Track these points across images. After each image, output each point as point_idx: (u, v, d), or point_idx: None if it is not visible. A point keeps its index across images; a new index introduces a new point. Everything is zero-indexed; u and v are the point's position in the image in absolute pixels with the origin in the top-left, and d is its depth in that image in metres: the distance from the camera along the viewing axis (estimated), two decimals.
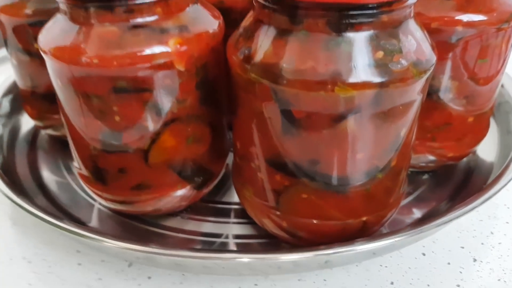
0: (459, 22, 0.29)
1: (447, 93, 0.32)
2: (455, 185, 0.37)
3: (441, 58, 0.31)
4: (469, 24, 0.29)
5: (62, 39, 0.26)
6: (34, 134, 0.45)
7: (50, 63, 0.27)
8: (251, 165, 0.28)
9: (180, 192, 0.31)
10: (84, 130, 0.29)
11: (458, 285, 0.29)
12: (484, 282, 0.29)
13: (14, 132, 0.44)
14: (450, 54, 0.30)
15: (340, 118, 0.23)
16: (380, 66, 0.22)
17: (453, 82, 0.32)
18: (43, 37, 0.28)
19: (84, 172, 0.31)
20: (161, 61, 0.25)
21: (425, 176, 0.38)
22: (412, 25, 0.24)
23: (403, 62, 0.23)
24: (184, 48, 0.26)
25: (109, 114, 0.27)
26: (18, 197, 0.32)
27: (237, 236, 0.32)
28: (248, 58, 0.24)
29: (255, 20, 0.25)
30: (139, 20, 0.26)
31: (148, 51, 0.25)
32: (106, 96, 0.26)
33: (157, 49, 0.25)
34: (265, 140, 0.26)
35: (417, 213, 0.35)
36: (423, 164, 0.37)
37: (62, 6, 0.27)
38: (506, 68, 0.34)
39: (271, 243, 0.32)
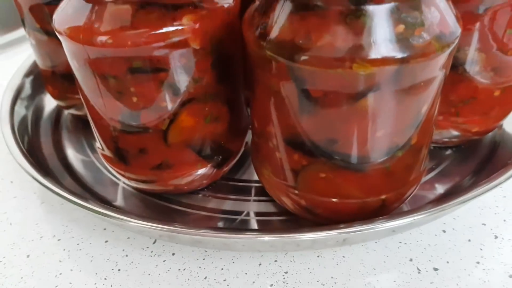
0: None
1: (473, 65, 0.31)
2: (480, 160, 0.37)
3: (467, 29, 0.29)
4: None
5: (76, 19, 0.26)
6: (57, 113, 0.46)
7: (65, 44, 0.27)
8: (269, 144, 0.28)
9: (201, 171, 0.31)
10: (103, 110, 0.29)
11: (478, 262, 0.28)
12: (504, 259, 0.28)
13: (38, 112, 0.45)
14: (477, 25, 0.29)
15: (359, 96, 0.23)
16: (401, 40, 0.21)
17: (480, 54, 0.30)
18: (58, 17, 0.28)
19: (106, 152, 0.32)
20: (176, 39, 0.25)
21: (449, 151, 0.37)
22: None
23: (425, 36, 0.22)
24: (198, 25, 0.26)
25: (127, 95, 0.27)
26: (44, 178, 0.32)
27: (257, 214, 0.33)
28: (264, 35, 0.24)
29: None
30: None
31: (162, 30, 0.25)
32: (123, 77, 0.26)
33: (171, 27, 0.25)
34: (282, 119, 0.26)
35: (440, 189, 0.34)
36: (447, 139, 0.36)
37: None
38: None
39: (291, 220, 0.32)
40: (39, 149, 0.41)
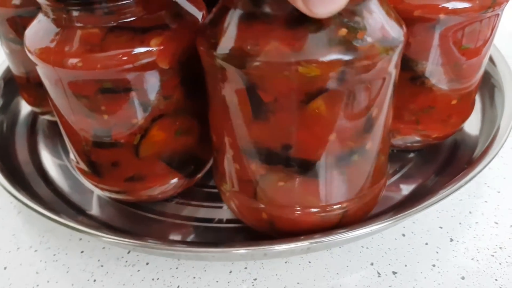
0: (442, 10, 0.29)
1: (430, 78, 0.33)
2: (441, 162, 0.39)
3: (424, 45, 0.31)
4: (452, 12, 0.29)
5: (46, 41, 0.27)
6: (33, 118, 0.46)
7: (36, 63, 0.28)
8: (226, 156, 0.28)
9: (173, 181, 0.32)
10: (75, 127, 0.30)
11: (434, 265, 0.30)
12: (458, 262, 0.31)
13: (13, 116, 0.45)
14: (433, 41, 0.31)
15: (307, 99, 0.23)
16: (344, 43, 0.22)
17: (436, 68, 0.32)
18: (29, 37, 0.28)
19: (80, 165, 0.32)
20: (144, 61, 0.26)
21: (411, 155, 0.39)
22: (376, 2, 0.24)
23: (368, 39, 0.23)
24: (166, 47, 0.27)
25: (98, 113, 0.28)
26: (18, 192, 0.33)
27: (229, 221, 0.34)
28: (214, 44, 0.24)
29: (221, 6, 0.25)
30: (121, 21, 0.26)
31: (131, 52, 0.26)
32: (93, 96, 0.27)
33: (140, 49, 0.26)
34: (238, 128, 0.26)
35: (404, 190, 0.36)
36: (409, 144, 0.38)
37: (44, 8, 0.27)
38: (490, 50, 0.34)
39: None
40: (14, 155, 0.41)
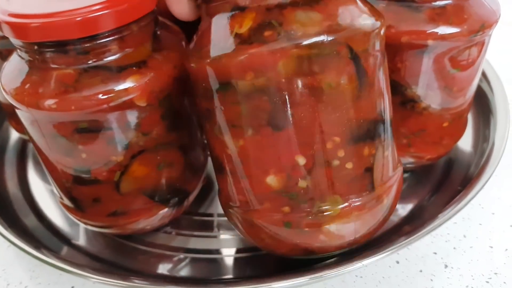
0: (430, 35, 0.28)
1: (420, 102, 0.32)
2: (436, 181, 0.38)
3: (413, 70, 0.30)
4: (441, 37, 0.28)
5: (20, 82, 0.26)
6: (22, 144, 0.45)
7: (12, 103, 0.27)
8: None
9: (158, 214, 0.32)
10: (55, 164, 0.29)
11: None
12: None
13: (2, 142, 0.45)
14: (422, 66, 0.30)
15: None
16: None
17: (426, 92, 0.31)
18: (5, 76, 0.28)
19: (63, 200, 0.32)
20: (120, 100, 0.25)
21: (405, 175, 0.38)
22: None
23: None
24: (143, 84, 0.26)
25: (76, 152, 0.27)
26: (4, 223, 0.33)
27: (223, 252, 0.33)
28: (206, 53, 0.24)
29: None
30: (95, 60, 0.25)
31: (105, 93, 0.25)
32: (70, 136, 0.26)
33: (115, 89, 0.25)
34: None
35: (400, 211, 0.36)
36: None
37: (18, 48, 0.26)
38: (480, 71, 0.33)
39: (256, 256, 0.33)
40: (3, 183, 0.41)
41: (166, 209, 0.32)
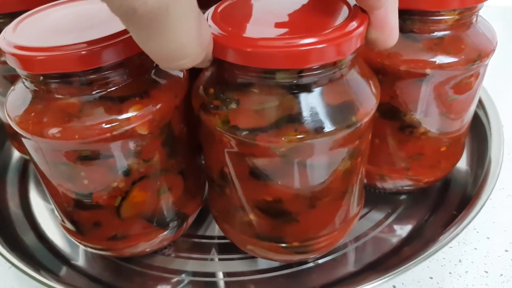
0: (429, 65, 0.29)
1: (419, 127, 0.32)
2: (432, 202, 0.38)
3: (411, 97, 0.31)
4: (439, 67, 0.29)
5: (25, 110, 0.26)
6: (24, 163, 0.46)
7: (16, 130, 0.27)
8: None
9: (157, 238, 0.32)
10: (57, 189, 0.29)
11: None
12: None
13: (4, 162, 0.45)
14: (420, 94, 0.30)
15: None
16: None
17: (424, 118, 0.32)
18: (9, 103, 0.28)
19: (64, 223, 0.32)
20: (122, 130, 0.26)
21: (403, 197, 0.39)
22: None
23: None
24: (145, 114, 0.26)
25: (78, 178, 0.28)
26: (5, 245, 0.34)
27: (223, 274, 0.34)
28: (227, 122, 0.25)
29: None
30: (99, 91, 0.26)
31: (108, 122, 0.25)
32: (73, 163, 0.27)
33: (118, 118, 0.25)
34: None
35: (398, 234, 0.36)
36: (400, 188, 0.38)
37: (23, 77, 0.27)
38: (477, 97, 0.34)
39: (258, 281, 0.33)
40: (5, 203, 0.41)
41: (165, 233, 0.32)
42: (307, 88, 0.23)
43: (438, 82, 0.29)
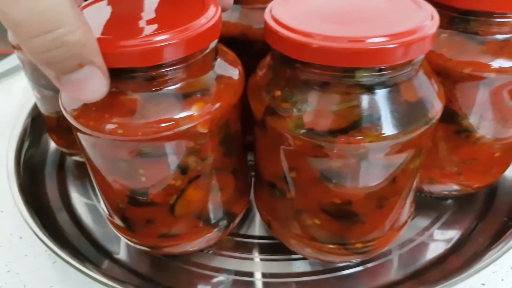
0: (493, 69, 0.28)
1: (475, 132, 0.31)
2: (480, 208, 0.38)
3: (471, 100, 0.30)
4: (502, 71, 0.28)
5: (84, 104, 0.26)
6: (61, 157, 0.46)
7: (74, 125, 0.27)
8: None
9: (206, 237, 0.32)
10: (111, 185, 0.29)
11: None
12: None
13: (42, 156, 0.45)
14: (481, 97, 0.30)
15: None
16: None
17: (482, 122, 0.31)
18: (65, 96, 0.28)
19: (114, 219, 0.32)
20: (184, 127, 0.25)
21: (449, 201, 0.38)
22: None
23: None
24: (206, 112, 0.26)
25: (135, 175, 0.27)
26: (53, 243, 0.33)
27: (263, 275, 0.34)
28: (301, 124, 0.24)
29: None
30: (161, 88, 0.25)
31: (170, 120, 0.25)
32: (132, 160, 0.27)
33: (180, 116, 0.25)
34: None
35: (447, 237, 0.36)
36: (447, 193, 0.37)
37: None
38: None
39: (289, 283, 0.33)
40: (45, 195, 0.41)
41: (214, 232, 0.32)
42: (386, 86, 0.23)
43: (499, 86, 0.29)
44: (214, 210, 0.31)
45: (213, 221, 0.32)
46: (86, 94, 0.22)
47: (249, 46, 0.34)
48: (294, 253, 0.34)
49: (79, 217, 0.39)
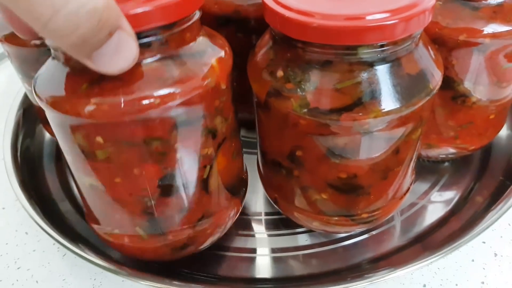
0: (487, 34, 0.28)
1: (471, 96, 0.32)
2: (476, 169, 0.40)
3: (466, 66, 0.31)
4: (497, 35, 0.29)
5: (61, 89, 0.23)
6: (57, 146, 0.45)
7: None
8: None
9: (235, 209, 0.31)
10: (134, 183, 0.26)
11: (483, 282, 0.31)
12: (505, 277, 0.31)
13: (38, 146, 0.45)
14: (476, 63, 0.30)
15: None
16: None
17: (477, 87, 0.32)
18: (40, 85, 0.25)
19: (135, 228, 0.28)
20: (212, 82, 0.24)
21: (446, 164, 0.40)
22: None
23: None
24: (223, 66, 0.25)
25: (170, 153, 0.25)
26: (59, 234, 0.32)
27: (272, 250, 0.34)
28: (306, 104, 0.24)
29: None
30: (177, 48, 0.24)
31: (197, 76, 0.24)
32: (167, 135, 0.24)
33: (205, 69, 0.24)
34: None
35: (447, 199, 0.37)
36: (444, 156, 0.38)
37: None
38: None
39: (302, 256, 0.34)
40: (46, 187, 0.41)
41: (238, 203, 0.32)
42: (388, 61, 0.23)
43: (495, 50, 0.30)
44: (235, 177, 0.31)
45: (236, 190, 0.31)
46: (119, 63, 0.20)
47: (243, 23, 0.34)
48: (300, 226, 0.35)
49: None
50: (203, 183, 0.28)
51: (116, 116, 0.22)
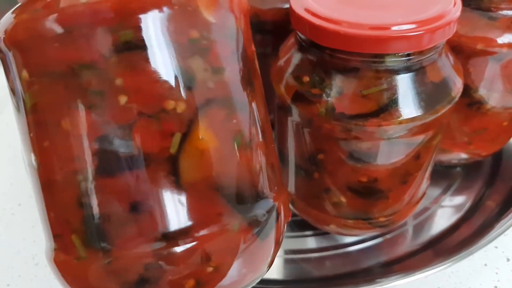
0: (504, 44, 0.29)
1: (486, 104, 0.33)
2: (487, 174, 0.40)
3: (483, 74, 0.31)
4: None
5: None
6: None
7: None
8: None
9: None
10: (63, 147, 0.17)
11: (496, 287, 0.32)
12: None
13: None
14: (492, 71, 0.31)
15: None
16: None
17: (493, 94, 0.32)
18: None
19: (70, 242, 0.18)
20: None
21: (458, 169, 0.40)
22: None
23: None
24: None
25: (109, 95, 0.17)
26: None
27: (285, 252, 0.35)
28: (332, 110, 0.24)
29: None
30: None
31: None
32: (102, 62, 0.17)
33: None
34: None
35: (461, 204, 0.38)
36: (456, 161, 0.39)
37: None
38: None
39: (311, 259, 0.34)
40: None
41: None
42: (413, 70, 0.24)
43: (511, 59, 0.30)
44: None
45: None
46: None
47: (261, 26, 0.35)
48: (314, 228, 0.36)
49: None
50: (168, 162, 0.16)
51: (36, 29, 0.16)
